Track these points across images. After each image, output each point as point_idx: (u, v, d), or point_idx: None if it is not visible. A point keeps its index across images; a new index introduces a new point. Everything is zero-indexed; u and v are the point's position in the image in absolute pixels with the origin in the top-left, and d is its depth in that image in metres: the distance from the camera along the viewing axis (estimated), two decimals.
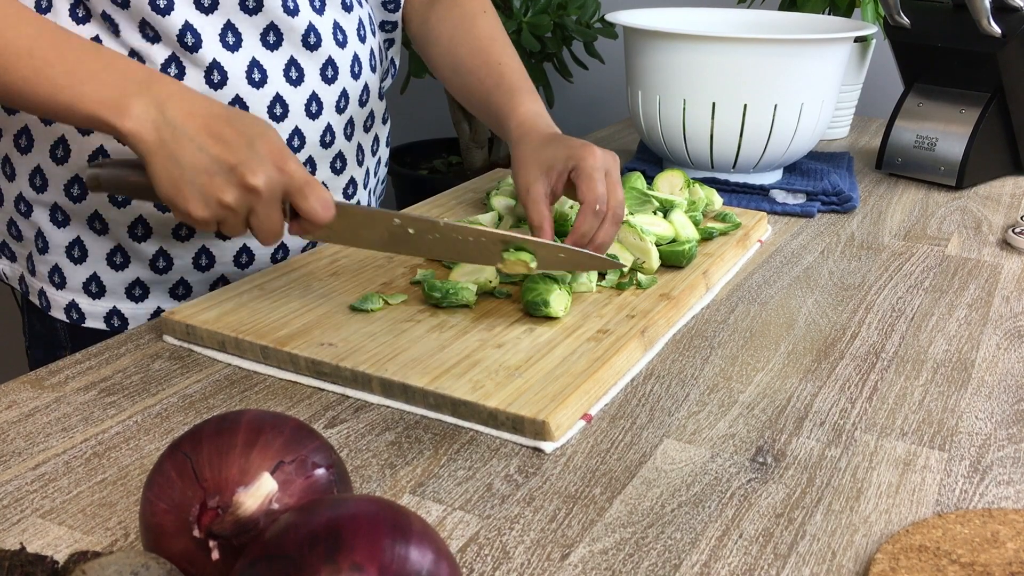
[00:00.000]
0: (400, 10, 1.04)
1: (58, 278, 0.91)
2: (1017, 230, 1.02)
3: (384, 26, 1.04)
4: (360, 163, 1.00)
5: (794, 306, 0.86)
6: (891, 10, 1.23)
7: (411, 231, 0.74)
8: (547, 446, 0.62)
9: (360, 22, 0.95)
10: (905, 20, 1.23)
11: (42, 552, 0.51)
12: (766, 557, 0.53)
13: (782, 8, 1.59)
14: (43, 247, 0.90)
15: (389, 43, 1.07)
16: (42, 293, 0.93)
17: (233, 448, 0.44)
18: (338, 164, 0.96)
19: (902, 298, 0.88)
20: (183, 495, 0.44)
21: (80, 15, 0.82)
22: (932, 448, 0.64)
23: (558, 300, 0.76)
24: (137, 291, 0.91)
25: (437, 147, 2.36)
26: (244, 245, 0.93)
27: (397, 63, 1.10)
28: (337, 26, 0.92)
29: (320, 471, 0.45)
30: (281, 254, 0.96)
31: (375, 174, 1.06)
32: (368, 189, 1.04)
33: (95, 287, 0.91)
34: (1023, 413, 0.68)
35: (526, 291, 0.77)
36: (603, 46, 2.11)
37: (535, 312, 0.76)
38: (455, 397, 0.65)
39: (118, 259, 0.90)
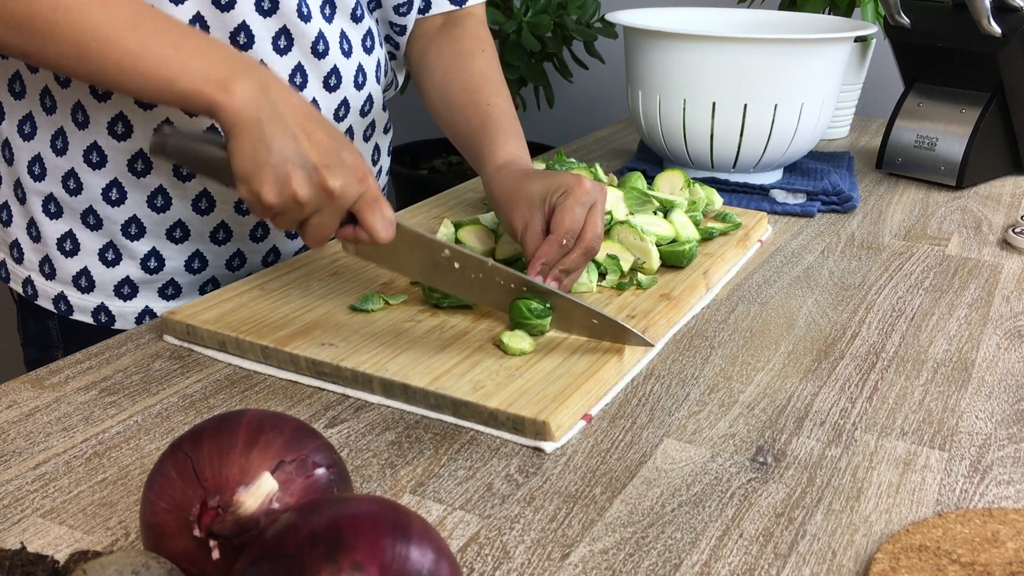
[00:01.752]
0: (406, 35, 1.03)
1: (48, 269, 0.91)
2: (1017, 230, 1.02)
3: (389, 40, 1.04)
4: None
5: (794, 306, 0.86)
6: (891, 10, 1.23)
7: (457, 265, 0.73)
8: (547, 446, 0.62)
9: (369, 32, 0.95)
10: (905, 20, 1.23)
11: (43, 552, 0.51)
12: (766, 557, 0.53)
13: (782, 8, 1.59)
14: (36, 236, 0.90)
15: (391, 56, 1.06)
16: (29, 281, 0.92)
17: (233, 448, 0.44)
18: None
19: (902, 298, 0.88)
20: (184, 495, 0.44)
21: None
22: (932, 448, 0.64)
23: (518, 340, 0.73)
24: (126, 289, 0.91)
25: (437, 147, 2.36)
26: (237, 248, 0.93)
27: (400, 77, 1.10)
28: (344, 36, 0.91)
29: (320, 471, 0.45)
30: (272, 257, 0.96)
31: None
32: None
33: (85, 282, 0.91)
34: (1023, 413, 0.68)
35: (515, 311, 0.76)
36: (603, 46, 2.11)
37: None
38: (455, 397, 0.65)
39: (109, 256, 0.90)
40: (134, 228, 0.89)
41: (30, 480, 0.59)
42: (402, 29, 1.02)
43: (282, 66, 0.87)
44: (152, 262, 0.90)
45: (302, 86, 0.89)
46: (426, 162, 2.30)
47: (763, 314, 0.84)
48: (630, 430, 0.65)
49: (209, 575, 0.44)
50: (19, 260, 0.92)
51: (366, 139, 1.00)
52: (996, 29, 1.13)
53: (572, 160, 1.05)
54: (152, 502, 0.44)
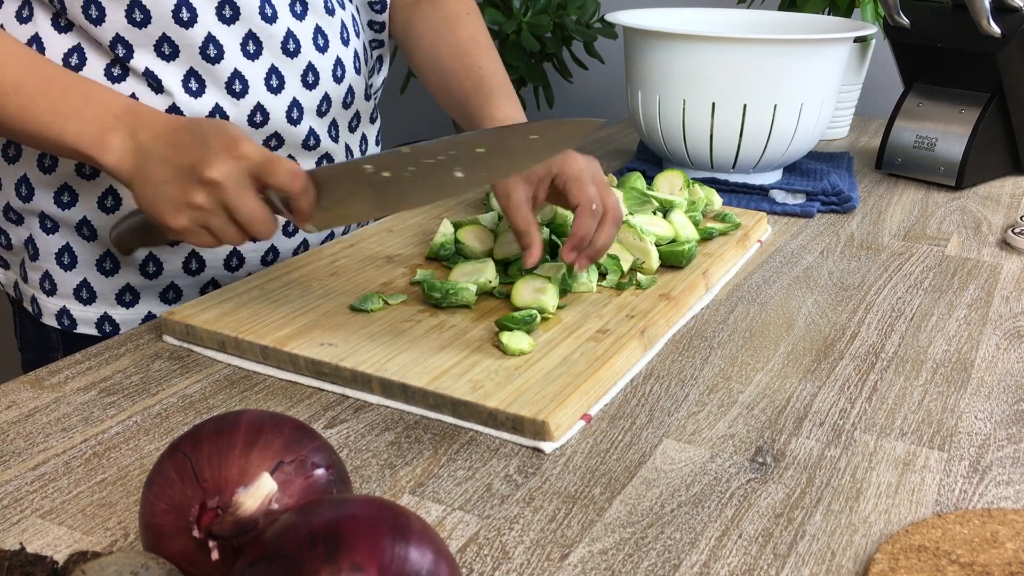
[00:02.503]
0: (387, 10, 1.03)
1: (48, 285, 0.91)
2: (1017, 230, 1.02)
3: (372, 25, 1.04)
4: None
5: (794, 306, 0.86)
6: (891, 10, 1.23)
7: (387, 174, 0.70)
8: (547, 446, 0.62)
9: (343, 25, 0.95)
10: (905, 20, 1.23)
11: (42, 552, 0.51)
12: (766, 557, 0.53)
13: (782, 8, 1.59)
14: (34, 254, 0.90)
15: (378, 43, 1.06)
16: (34, 300, 0.93)
17: (233, 448, 0.44)
18: (325, 164, 0.96)
19: (902, 298, 0.88)
20: (183, 495, 0.44)
21: (62, 24, 0.82)
22: (932, 448, 0.64)
23: (550, 298, 0.76)
24: (127, 296, 0.91)
25: None
26: (234, 248, 0.93)
27: (387, 62, 1.10)
28: (319, 30, 0.91)
29: (320, 471, 0.45)
30: (271, 256, 0.96)
31: None
32: None
33: (86, 293, 0.91)
34: (1022, 413, 0.68)
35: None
36: (603, 46, 2.11)
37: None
38: (455, 397, 0.65)
39: (108, 265, 0.90)
40: (87, 230, 0.88)
41: (29, 481, 0.59)
42: (382, 6, 1.02)
43: (256, 71, 0.86)
44: (150, 267, 0.90)
45: (279, 88, 0.88)
46: None
47: (762, 314, 0.84)
48: (629, 430, 0.65)
49: None
50: (24, 278, 0.92)
51: (352, 130, 1.00)
52: (996, 29, 1.13)
53: None
54: (151, 503, 0.44)
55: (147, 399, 0.68)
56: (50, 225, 0.89)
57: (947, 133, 1.22)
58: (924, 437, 0.65)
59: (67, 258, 0.89)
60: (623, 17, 1.19)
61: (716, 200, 1.04)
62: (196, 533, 0.43)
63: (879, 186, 1.24)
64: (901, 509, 0.57)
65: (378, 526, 0.39)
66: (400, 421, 0.66)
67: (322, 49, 0.91)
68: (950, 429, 0.66)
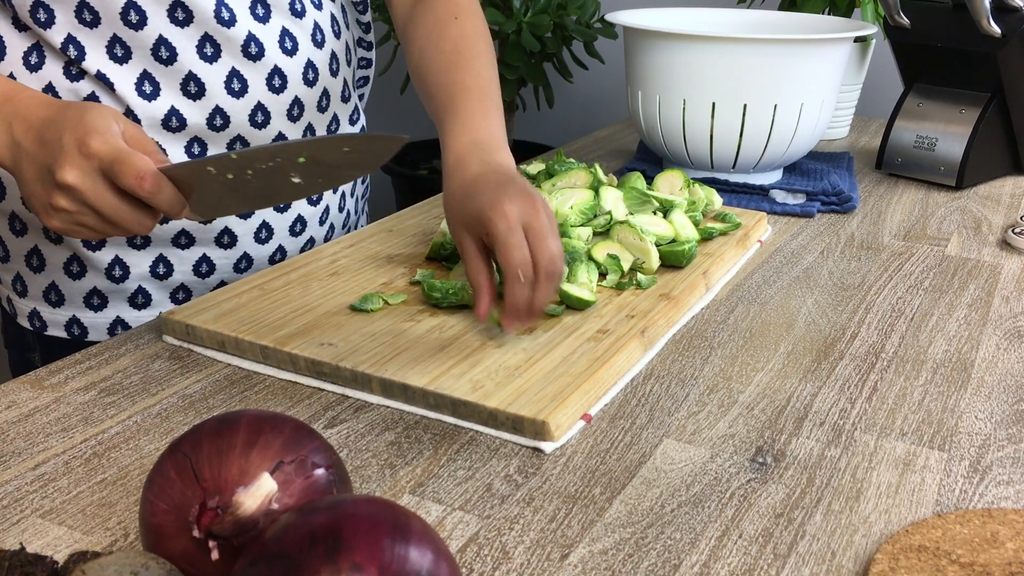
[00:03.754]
0: (369, 12, 1.03)
1: (20, 286, 0.91)
2: (1017, 230, 1.02)
3: (360, 24, 1.03)
4: None
5: (794, 306, 0.86)
6: (891, 10, 1.23)
7: (229, 176, 0.68)
8: (547, 446, 0.62)
9: (317, 26, 0.93)
10: (905, 20, 1.23)
11: (42, 552, 0.51)
12: (766, 557, 0.53)
13: (782, 8, 1.59)
14: (4, 255, 0.91)
15: (367, 44, 1.05)
16: (9, 300, 0.93)
17: (233, 448, 0.44)
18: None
19: (902, 298, 0.88)
20: (183, 495, 0.44)
21: (21, 24, 0.82)
22: (932, 448, 0.64)
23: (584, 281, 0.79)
24: (95, 300, 0.91)
25: (437, 147, 2.36)
26: (204, 254, 0.91)
27: (374, 64, 1.09)
28: (285, 33, 0.89)
29: (320, 471, 0.45)
30: (244, 263, 0.94)
31: None
32: (344, 190, 1.03)
33: (54, 296, 0.90)
34: (1023, 413, 0.68)
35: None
36: (603, 46, 2.11)
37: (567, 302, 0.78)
38: (455, 397, 0.65)
39: (75, 268, 0.89)
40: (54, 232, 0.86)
41: (29, 480, 0.59)
42: (364, 6, 1.01)
43: (215, 74, 0.85)
44: (116, 270, 0.89)
45: (242, 91, 0.87)
46: (426, 162, 2.30)
47: (763, 314, 0.84)
48: (629, 430, 0.65)
49: None
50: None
51: (329, 133, 0.98)
52: (996, 29, 1.13)
53: (572, 160, 1.05)
54: (151, 503, 0.44)
55: (147, 399, 0.68)
56: (19, 227, 0.88)
57: (947, 133, 1.22)
58: (924, 437, 0.65)
59: (36, 260, 0.89)
60: (623, 17, 1.19)
61: (716, 200, 1.04)
62: (196, 533, 0.43)
63: (879, 186, 1.24)
64: (901, 509, 0.57)
65: (378, 526, 0.39)
66: (400, 421, 0.66)
67: (289, 52, 0.89)
68: (950, 429, 0.66)
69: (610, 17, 1.19)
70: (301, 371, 0.71)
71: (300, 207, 0.96)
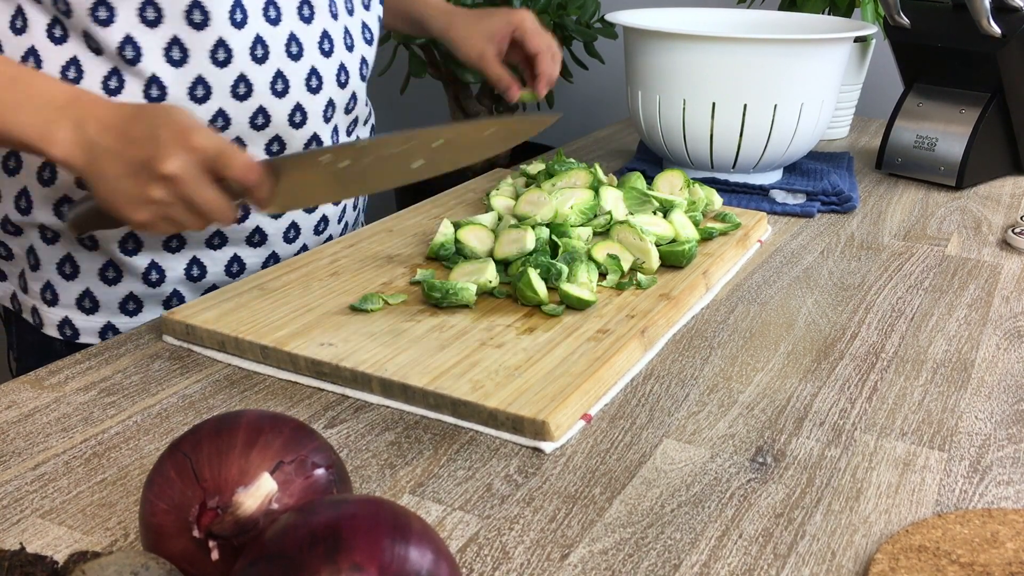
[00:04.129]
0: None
1: (50, 295, 0.90)
2: (1017, 230, 1.02)
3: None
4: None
5: (794, 306, 0.86)
6: (891, 10, 1.23)
7: (343, 164, 0.71)
8: (547, 446, 0.62)
9: (347, 31, 0.95)
10: (905, 20, 1.23)
11: (42, 552, 0.51)
12: (766, 557, 0.53)
13: (782, 8, 1.59)
14: (35, 264, 0.90)
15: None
16: (35, 311, 0.92)
17: (233, 448, 0.44)
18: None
19: (902, 298, 0.88)
20: (183, 495, 0.44)
21: (57, 35, 0.81)
22: (932, 448, 0.64)
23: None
24: (131, 305, 0.91)
25: None
26: (235, 254, 0.93)
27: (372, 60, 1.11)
28: (325, 35, 0.91)
29: (320, 471, 0.45)
30: (272, 261, 0.95)
31: None
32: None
33: (88, 303, 0.90)
34: (1023, 413, 0.68)
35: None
36: (603, 46, 2.11)
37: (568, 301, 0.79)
38: (455, 397, 0.65)
39: (110, 274, 0.89)
40: (131, 243, 0.88)
41: (29, 480, 0.59)
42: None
43: (263, 74, 0.86)
44: (153, 275, 0.90)
45: (284, 92, 0.88)
46: None
47: (763, 314, 0.84)
48: (629, 430, 0.65)
49: None
50: (24, 289, 0.92)
51: (348, 134, 1.00)
52: (996, 29, 1.13)
53: (571, 160, 1.05)
54: (151, 503, 0.44)
55: (147, 399, 0.68)
56: (50, 236, 0.88)
57: (947, 133, 1.22)
58: (924, 437, 0.65)
59: (68, 268, 0.89)
60: (623, 17, 1.19)
61: (716, 200, 1.04)
62: (196, 533, 0.43)
63: (879, 186, 1.24)
64: (901, 509, 0.57)
65: (378, 526, 0.39)
66: (400, 421, 0.66)
67: (327, 54, 0.91)
68: (950, 429, 0.66)
69: (610, 17, 1.19)
70: (301, 371, 0.71)
71: (325, 207, 0.98)
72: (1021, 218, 1.08)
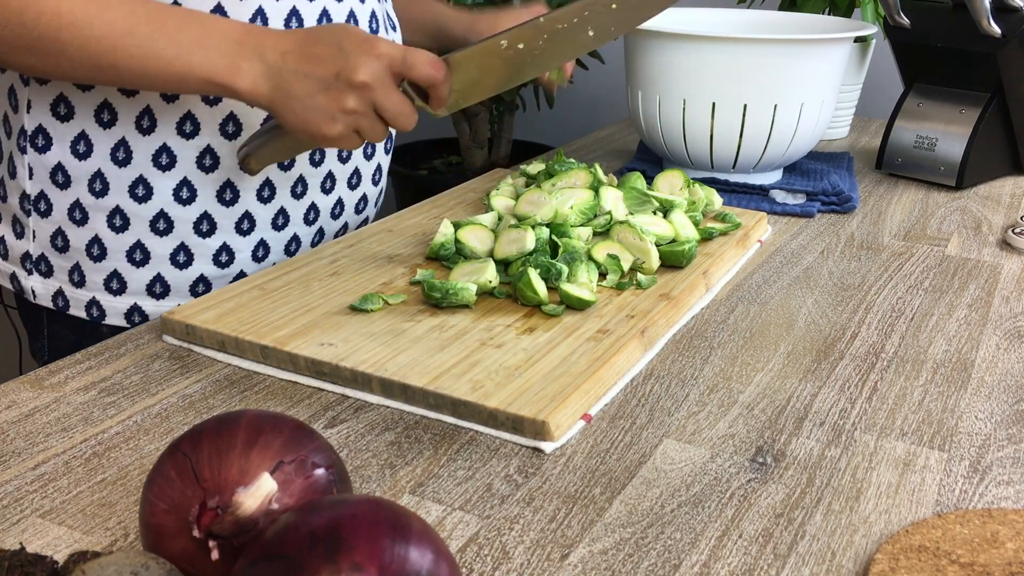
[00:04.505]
0: None
1: (117, 284, 0.90)
2: (1017, 230, 1.02)
3: None
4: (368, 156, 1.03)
5: (794, 306, 0.86)
6: (891, 10, 1.23)
7: (520, 46, 0.75)
8: (547, 446, 0.62)
9: (373, 15, 0.98)
10: (905, 20, 1.23)
11: (42, 552, 0.51)
12: (766, 557, 0.53)
13: (782, 8, 1.59)
14: (100, 254, 0.90)
15: None
16: (94, 303, 0.91)
17: (233, 448, 0.44)
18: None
19: (902, 298, 0.88)
20: (183, 495, 0.44)
21: None
22: (932, 448, 0.64)
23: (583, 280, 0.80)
24: (200, 287, 0.93)
25: (437, 147, 2.36)
26: (261, 239, 0.94)
27: None
28: (374, 15, 0.95)
29: (320, 471, 0.45)
30: (295, 246, 0.98)
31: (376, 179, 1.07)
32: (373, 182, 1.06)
33: (159, 288, 0.91)
34: (1023, 413, 0.68)
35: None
36: (603, 46, 2.11)
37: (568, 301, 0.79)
38: (455, 397, 0.65)
39: (181, 258, 0.91)
40: (205, 224, 0.90)
41: (29, 480, 0.59)
42: None
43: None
44: (224, 256, 0.92)
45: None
46: (426, 162, 2.30)
47: (763, 314, 0.84)
48: (629, 430, 0.65)
49: None
50: (80, 283, 0.91)
51: None
52: (996, 29, 1.13)
53: (572, 160, 1.05)
54: (151, 502, 0.44)
55: (147, 399, 0.68)
56: (119, 223, 0.88)
57: (947, 133, 1.22)
58: (924, 437, 0.65)
59: (139, 255, 0.90)
60: None
61: (716, 200, 1.04)
62: (196, 533, 0.43)
63: (879, 186, 1.24)
64: (901, 509, 0.57)
65: (378, 526, 0.39)
66: (400, 421, 0.66)
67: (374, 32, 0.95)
68: (950, 429, 0.66)
69: None
70: (301, 371, 0.71)
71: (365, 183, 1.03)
72: (1021, 218, 1.08)
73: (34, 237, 0.91)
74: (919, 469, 0.61)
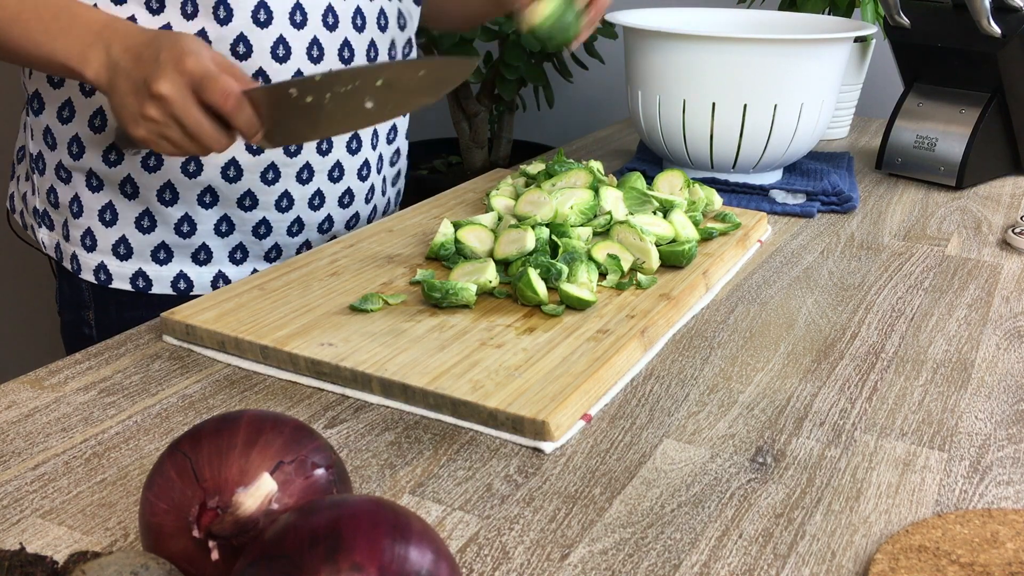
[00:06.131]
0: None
1: (89, 241, 0.96)
2: (1017, 230, 1.02)
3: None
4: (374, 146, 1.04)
5: (794, 306, 0.86)
6: (891, 10, 1.23)
7: (308, 99, 0.74)
8: (547, 446, 0.62)
9: (382, 11, 0.99)
10: (905, 20, 1.23)
11: (42, 552, 0.51)
12: (766, 557, 0.53)
13: (782, 8, 1.59)
14: (78, 211, 0.95)
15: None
16: (74, 257, 0.97)
17: (233, 448, 0.44)
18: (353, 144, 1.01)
19: (902, 298, 0.88)
20: (183, 495, 0.44)
21: None
22: (932, 448, 0.64)
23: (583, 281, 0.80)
24: (162, 254, 0.96)
25: (437, 147, 2.36)
26: (263, 218, 0.97)
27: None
28: (358, 11, 0.96)
29: (320, 471, 0.45)
30: (296, 227, 1.00)
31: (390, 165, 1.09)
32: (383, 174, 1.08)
33: (123, 249, 0.95)
34: (1023, 413, 0.68)
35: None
36: (603, 46, 2.11)
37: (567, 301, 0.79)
38: (455, 397, 0.65)
39: (145, 223, 0.95)
40: (168, 193, 0.94)
41: (29, 481, 0.59)
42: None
43: (332, 41, 0.93)
44: (185, 226, 0.95)
45: (350, 59, 0.95)
46: (426, 162, 2.30)
47: (763, 314, 0.84)
48: (629, 430, 0.65)
49: None
50: (67, 237, 0.97)
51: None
52: (996, 29, 1.13)
53: (571, 160, 1.05)
54: (151, 503, 0.44)
55: (147, 399, 0.68)
56: (95, 183, 0.94)
57: (947, 133, 1.22)
58: (924, 437, 0.65)
59: (108, 215, 0.95)
60: (623, 17, 1.19)
61: (716, 200, 1.04)
62: (196, 533, 0.43)
63: (879, 186, 1.24)
64: (901, 509, 0.57)
65: (378, 526, 0.39)
66: (400, 421, 0.66)
67: (360, 29, 0.96)
68: (950, 429, 0.66)
69: (610, 17, 1.19)
70: (301, 371, 0.71)
71: (349, 176, 1.03)
72: (1021, 218, 1.08)
73: (36, 192, 0.99)
74: (919, 469, 0.61)
